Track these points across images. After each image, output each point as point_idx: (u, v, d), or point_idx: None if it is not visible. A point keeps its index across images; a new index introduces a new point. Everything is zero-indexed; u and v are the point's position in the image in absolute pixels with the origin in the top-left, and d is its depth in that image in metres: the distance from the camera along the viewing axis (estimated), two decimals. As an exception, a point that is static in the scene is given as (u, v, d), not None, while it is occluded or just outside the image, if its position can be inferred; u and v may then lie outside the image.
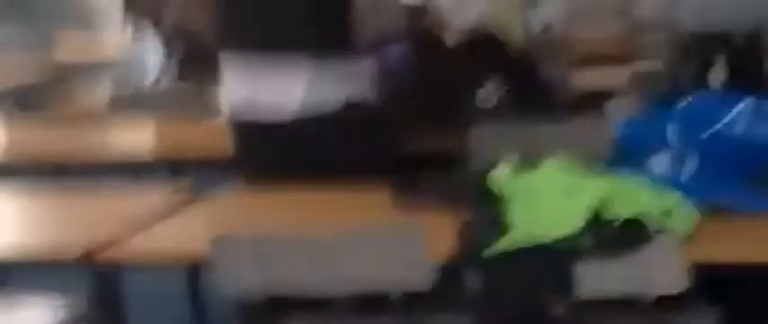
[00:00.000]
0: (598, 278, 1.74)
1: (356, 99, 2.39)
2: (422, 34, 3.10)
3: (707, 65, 2.56)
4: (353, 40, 2.38)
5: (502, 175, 1.88)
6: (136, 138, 3.05)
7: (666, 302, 1.75)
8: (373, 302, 1.84)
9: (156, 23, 3.80)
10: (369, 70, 2.44)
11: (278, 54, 2.32)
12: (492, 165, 1.91)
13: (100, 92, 3.70)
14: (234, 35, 2.38)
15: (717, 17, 2.58)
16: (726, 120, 1.96)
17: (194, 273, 2.56)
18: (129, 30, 4.25)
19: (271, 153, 2.37)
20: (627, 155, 2.00)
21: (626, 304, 1.76)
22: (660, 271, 1.73)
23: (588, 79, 2.95)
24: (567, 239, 1.74)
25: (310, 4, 2.33)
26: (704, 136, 1.94)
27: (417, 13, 4.45)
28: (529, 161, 1.91)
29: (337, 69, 2.36)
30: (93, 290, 2.06)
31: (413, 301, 1.80)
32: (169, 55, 3.74)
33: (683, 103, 2.03)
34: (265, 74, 2.35)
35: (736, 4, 2.64)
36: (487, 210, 1.82)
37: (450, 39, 3.05)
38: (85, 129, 3.19)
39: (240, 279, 1.84)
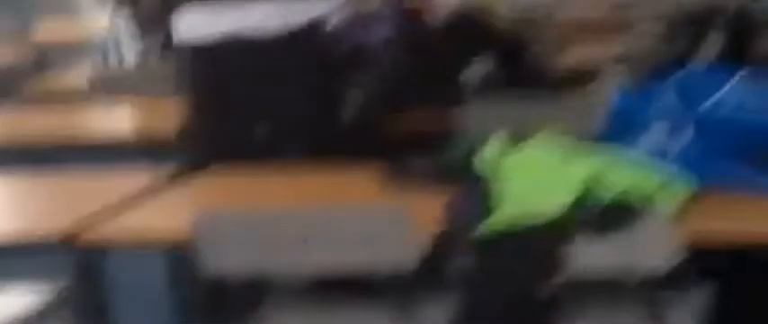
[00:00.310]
0: (588, 256, 1.72)
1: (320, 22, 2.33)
2: (407, 14, 3.07)
3: (698, 39, 2.54)
4: None
5: (491, 153, 1.85)
6: (116, 119, 3.01)
7: (658, 280, 1.73)
8: (359, 282, 1.82)
9: (135, 5, 3.76)
10: None
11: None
12: (481, 143, 1.88)
13: (79, 74, 3.65)
14: None
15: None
16: (719, 93, 1.93)
17: (177, 254, 2.52)
18: (108, 11, 4.20)
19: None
20: (619, 130, 1.97)
21: (616, 283, 1.74)
22: (651, 248, 1.71)
23: (578, 55, 2.92)
24: (556, 217, 1.71)
25: None
26: (698, 110, 1.91)
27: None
28: (518, 138, 1.88)
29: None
30: (76, 273, 2.02)
31: (399, 281, 1.78)
32: (149, 35, 3.70)
33: (676, 77, 2.00)
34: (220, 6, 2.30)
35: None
36: (476, 188, 1.80)
37: (437, 18, 3.02)
38: (65, 111, 3.15)
39: (224, 258, 1.81)
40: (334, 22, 2.43)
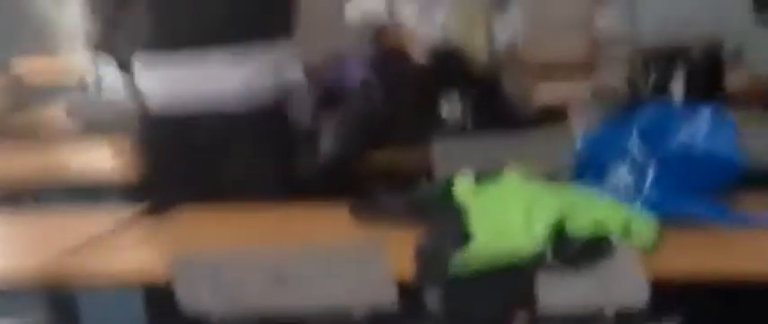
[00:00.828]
0: (559, 292, 1.74)
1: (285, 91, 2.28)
2: (387, 51, 3.11)
3: (666, 77, 2.59)
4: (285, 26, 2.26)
5: (463, 188, 1.87)
6: (93, 157, 3.02)
7: (627, 316, 1.75)
8: (337, 321, 1.82)
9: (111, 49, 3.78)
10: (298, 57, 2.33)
11: (198, 50, 2.18)
12: (454, 178, 1.90)
13: (58, 111, 3.65)
14: (154, 34, 2.23)
15: (675, 31, 2.61)
16: (685, 131, 1.96)
17: (152, 293, 2.52)
18: (91, 53, 4.23)
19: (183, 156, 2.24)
20: (588, 167, 2.00)
21: (588, 319, 1.76)
22: (621, 284, 1.73)
23: (550, 93, 2.97)
24: (528, 253, 1.73)
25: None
26: (664, 148, 1.95)
27: (381, 27, 4.49)
28: (490, 174, 1.91)
29: (262, 57, 2.22)
30: (51, 311, 2.02)
31: (377, 319, 1.79)
32: (130, 77, 3.71)
33: (642, 115, 2.04)
34: (183, 67, 2.20)
35: (694, 17, 2.69)
36: (449, 223, 1.81)
37: (414, 53, 3.06)
38: (42, 148, 3.15)
39: (200, 299, 1.82)
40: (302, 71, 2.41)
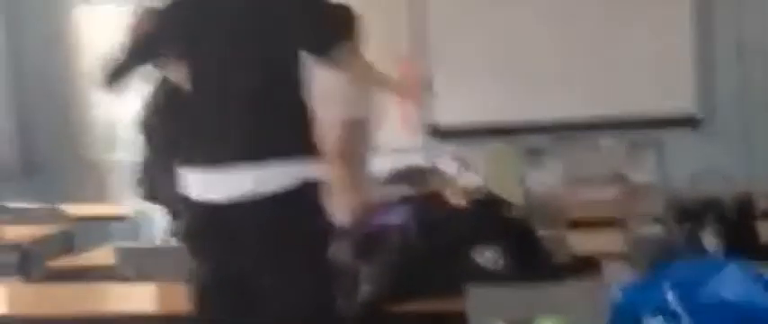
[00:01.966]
0: None
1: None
2: (425, 194, 3.19)
3: (699, 229, 2.62)
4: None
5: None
6: (138, 298, 3.08)
7: None
8: None
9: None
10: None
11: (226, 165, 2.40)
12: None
13: (106, 251, 3.76)
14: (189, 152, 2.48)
15: (708, 183, 2.67)
16: (719, 284, 1.98)
17: None
18: (142, 198, 4.40)
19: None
20: (622, 320, 2.02)
21: None
22: None
23: (584, 244, 3.00)
24: None
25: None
26: (698, 301, 1.97)
27: (421, 173, 4.60)
28: (525, 323, 1.93)
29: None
30: None
31: None
32: (176, 216, 3.84)
33: (676, 268, 2.06)
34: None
35: (726, 170, 2.75)
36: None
37: (452, 199, 3.13)
38: (90, 288, 3.22)
39: None
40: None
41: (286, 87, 2.43)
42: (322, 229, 2.48)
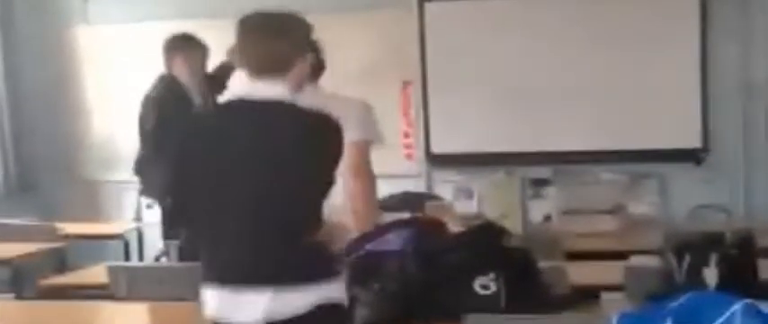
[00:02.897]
0: None
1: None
2: (425, 220, 3.16)
3: (700, 264, 2.59)
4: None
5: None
6: (130, 315, 3.05)
7: None
8: None
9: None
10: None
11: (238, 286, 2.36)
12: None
13: (99, 269, 3.73)
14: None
15: (708, 218, 2.65)
16: (719, 320, 1.96)
17: None
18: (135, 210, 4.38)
19: None
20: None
21: None
22: None
23: (583, 275, 2.98)
24: None
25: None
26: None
27: (421, 200, 4.58)
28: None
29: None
30: None
31: None
32: (172, 234, 3.81)
33: (677, 302, 2.04)
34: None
35: (727, 205, 2.72)
36: None
37: (452, 227, 3.11)
38: (82, 306, 3.19)
39: None
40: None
41: (309, 216, 2.38)
42: None
